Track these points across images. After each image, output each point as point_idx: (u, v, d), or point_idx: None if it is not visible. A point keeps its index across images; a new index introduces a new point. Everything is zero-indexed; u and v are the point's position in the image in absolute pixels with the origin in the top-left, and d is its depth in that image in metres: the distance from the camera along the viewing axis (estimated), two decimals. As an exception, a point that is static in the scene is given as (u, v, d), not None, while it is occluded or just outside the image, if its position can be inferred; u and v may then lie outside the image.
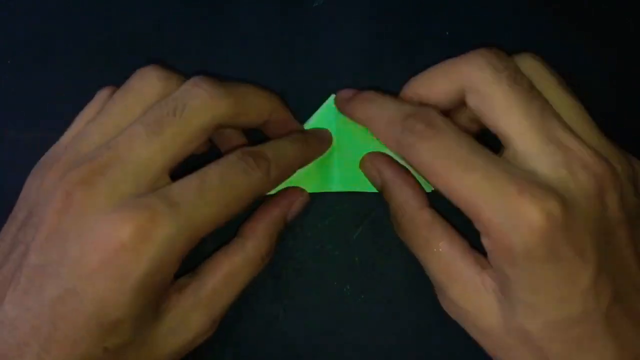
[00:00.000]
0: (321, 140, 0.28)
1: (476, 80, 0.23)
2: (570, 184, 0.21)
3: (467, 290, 0.23)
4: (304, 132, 0.28)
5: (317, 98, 0.29)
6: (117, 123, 0.24)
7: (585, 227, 0.21)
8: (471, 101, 0.23)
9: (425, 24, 0.31)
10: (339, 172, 0.29)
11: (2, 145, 0.30)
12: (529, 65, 0.24)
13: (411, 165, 0.23)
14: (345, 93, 0.28)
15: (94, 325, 0.21)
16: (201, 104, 0.23)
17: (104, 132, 0.23)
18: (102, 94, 0.27)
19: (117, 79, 0.26)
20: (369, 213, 0.29)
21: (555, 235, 0.20)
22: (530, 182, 0.21)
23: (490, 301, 0.23)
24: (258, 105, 0.25)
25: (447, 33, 0.31)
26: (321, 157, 0.29)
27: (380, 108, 0.25)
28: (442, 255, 0.24)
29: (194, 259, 0.24)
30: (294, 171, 0.26)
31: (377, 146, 0.28)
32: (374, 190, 0.28)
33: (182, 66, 0.29)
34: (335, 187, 0.29)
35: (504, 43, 0.31)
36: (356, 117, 0.26)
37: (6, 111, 0.30)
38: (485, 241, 0.22)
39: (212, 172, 0.23)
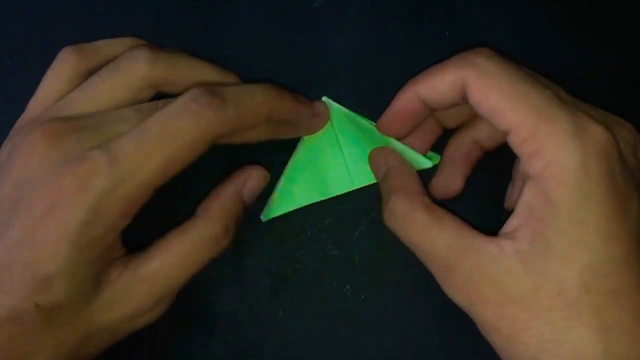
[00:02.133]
0: (299, 101, 0.27)
1: (476, 72, 0.23)
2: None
3: (481, 261, 0.22)
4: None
5: (317, 98, 0.29)
6: (101, 100, 0.24)
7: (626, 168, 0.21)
8: (472, 96, 0.23)
9: (425, 24, 0.31)
10: (353, 170, 0.29)
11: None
12: None
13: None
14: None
15: (29, 277, 0.21)
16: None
17: (86, 103, 0.24)
18: (64, 57, 0.26)
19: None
20: (369, 213, 0.29)
21: (612, 158, 0.20)
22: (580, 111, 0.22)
23: (511, 265, 0.21)
24: (186, 74, 0.26)
25: (447, 33, 0.31)
26: (332, 160, 0.29)
27: None
28: (448, 233, 0.23)
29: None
30: (259, 118, 0.24)
31: (379, 137, 0.28)
32: None
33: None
34: (356, 183, 0.28)
35: (504, 43, 0.31)
36: None
37: (6, 111, 0.30)
38: (534, 164, 0.21)
39: (155, 121, 0.22)
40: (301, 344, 0.28)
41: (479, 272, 0.22)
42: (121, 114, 0.23)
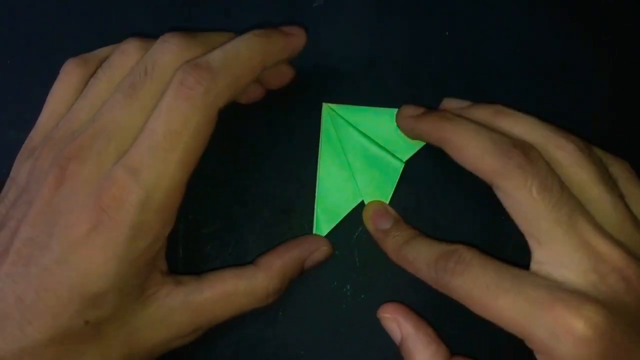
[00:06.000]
0: (287, 35, 0.26)
1: (506, 184, 0.23)
2: (602, 288, 0.21)
3: None
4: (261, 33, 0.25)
5: (317, 98, 0.29)
6: (104, 98, 0.24)
7: (626, 328, 0.21)
8: (501, 198, 0.23)
9: (425, 24, 0.31)
10: (360, 180, 0.29)
11: (2, 145, 0.30)
12: (560, 157, 0.24)
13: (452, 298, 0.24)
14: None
15: (77, 297, 0.21)
16: (170, 58, 0.23)
17: (92, 109, 0.24)
18: (69, 68, 0.26)
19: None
20: (369, 213, 0.29)
21: (600, 341, 0.20)
22: (564, 291, 0.21)
23: None
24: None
25: (447, 33, 0.31)
26: (344, 172, 0.29)
27: (416, 252, 0.25)
28: None
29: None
30: (254, 73, 0.24)
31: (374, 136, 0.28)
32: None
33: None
34: (364, 195, 0.29)
35: (504, 43, 0.31)
36: (400, 260, 0.27)
37: (6, 111, 0.30)
38: (538, 357, 0.22)
39: (156, 122, 0.22)
40: (301, 344, 0.28)
41: None
42: (111, 102, 0.23)
